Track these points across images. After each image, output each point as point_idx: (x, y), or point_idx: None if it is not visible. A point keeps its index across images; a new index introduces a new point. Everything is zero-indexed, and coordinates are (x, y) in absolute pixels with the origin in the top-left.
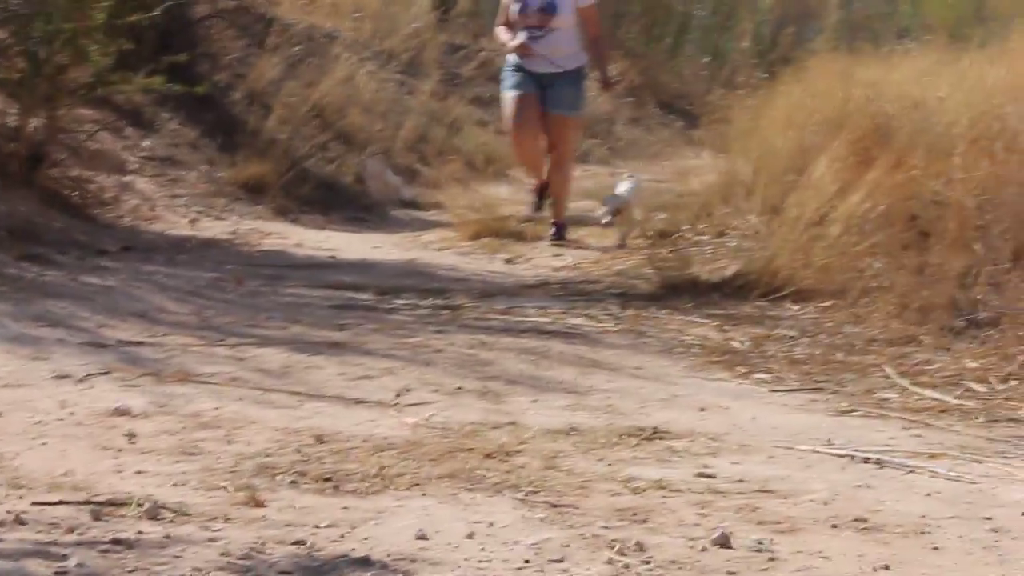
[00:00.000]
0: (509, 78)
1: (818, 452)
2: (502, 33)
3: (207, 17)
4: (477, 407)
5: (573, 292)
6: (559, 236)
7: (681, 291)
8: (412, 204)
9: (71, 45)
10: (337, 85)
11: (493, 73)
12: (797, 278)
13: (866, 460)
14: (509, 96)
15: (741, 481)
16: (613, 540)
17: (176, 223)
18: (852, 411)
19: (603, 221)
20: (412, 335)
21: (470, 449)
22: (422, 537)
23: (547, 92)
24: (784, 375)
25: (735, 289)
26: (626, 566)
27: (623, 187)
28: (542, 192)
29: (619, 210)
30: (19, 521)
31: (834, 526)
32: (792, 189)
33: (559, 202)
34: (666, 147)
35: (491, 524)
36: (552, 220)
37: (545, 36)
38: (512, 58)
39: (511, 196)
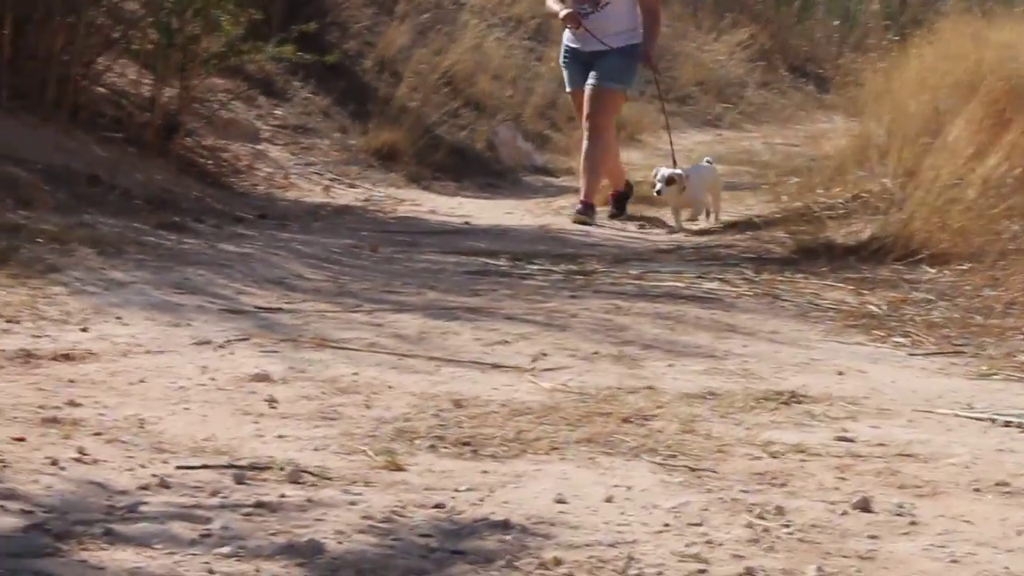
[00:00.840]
0: (564, 67)
1: (958, 416)
2: (552, 2)
3: None
4: (613, 371)
5: (707, 257)
6: (585, 213)
7: (816, 255)
8: (543, 170)
9: (202, 15)
10: (466, 52)
11: None
12: (934, 241)
13: (1007, 424)
14: (568, 91)
15: (881, 445)
16: (752, 504)
17: (310, 190)
18: (992, 374)
19: (655, 191)
20: (547, 300)
21: (607, 413)
22: (561, 501)
23: (592, 67)
24: (922, 339)
25: (871, 253)
26: (766, 530)
27: (686, 169)
28: (618, 200)
29: (672, 181)
30: (163, 485)
31: (976, 490)
32: (927, 152)
33: (591, 179)
34: (798, 111)
35: (629, 488)
36: (580, 198)
37: (596, 13)
38: (567, 36)
39: (643, 161)
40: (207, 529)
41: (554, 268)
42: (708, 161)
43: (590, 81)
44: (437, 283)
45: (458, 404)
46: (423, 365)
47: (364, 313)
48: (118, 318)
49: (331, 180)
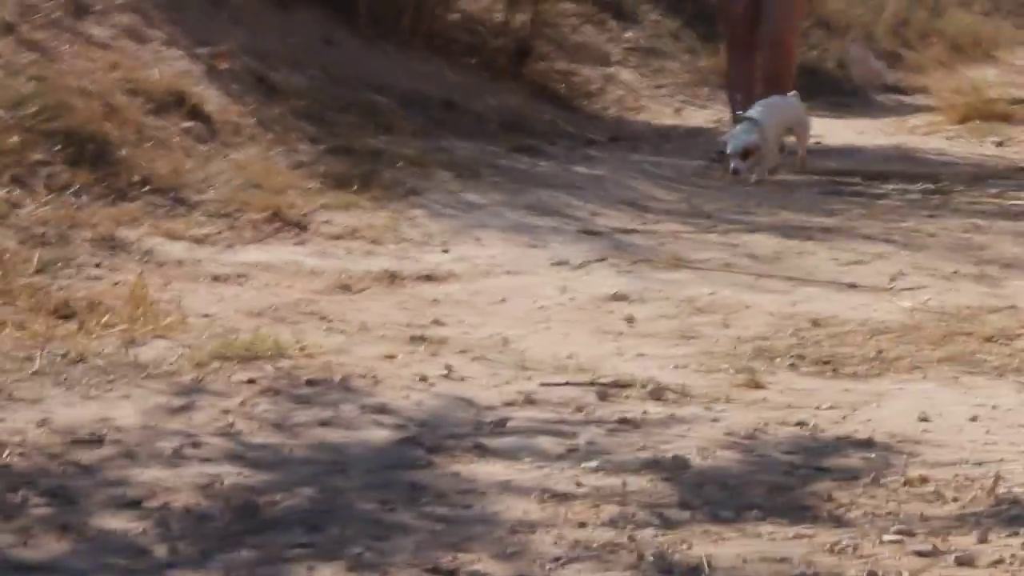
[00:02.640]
0: None
1: None
2: None
3: None
4: (973, 291)
5: None
6: None
7: None
8: (895, 89)
9: None
10: None
11: None
12: None
13: None
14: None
15: None
16: None
17: (660, 113)
18: None
19: (731, 168)
20: (902, 220)
21: (968, 333)
22: (924, 419)
23: None
24: None
25: None
26: None
27: (750, 126)
28: None
29: (748, 152)
30: (529, 401)
31: None
32: None
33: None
34: None
35: (994, 407)
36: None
37: None
38: None
39: (999, 79)
40: (573, 444)
41: (909, 187)
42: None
43: None
44: (790, 203)
45: (816, 323)
46: (779, 285)
47: (718, 233)
48: (477, 239)
49: (681, 102)
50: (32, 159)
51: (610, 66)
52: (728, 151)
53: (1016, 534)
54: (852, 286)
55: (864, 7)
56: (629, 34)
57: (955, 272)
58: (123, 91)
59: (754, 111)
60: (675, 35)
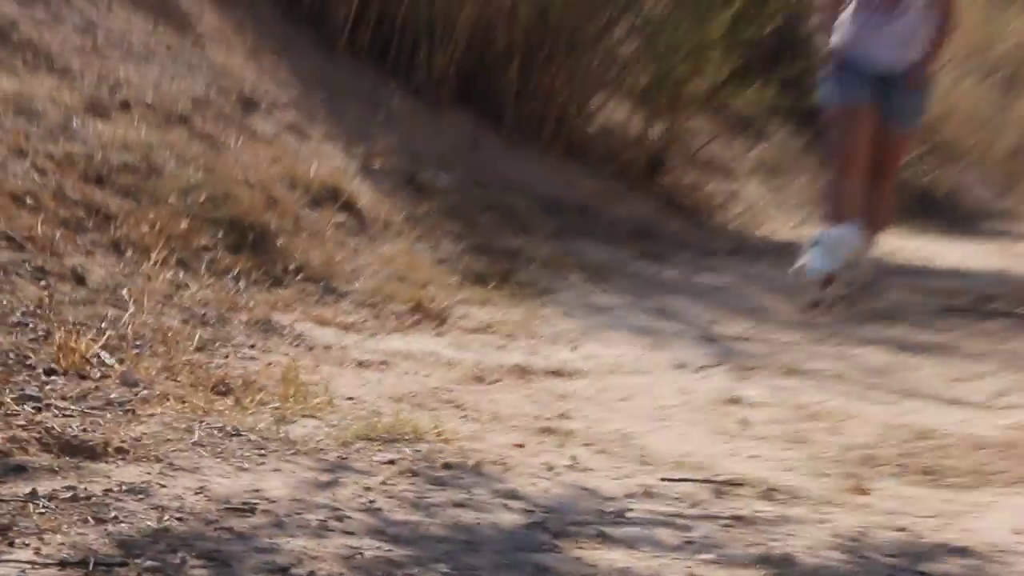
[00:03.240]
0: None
1: None
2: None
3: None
4: None
5: None
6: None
7: None
8: (1006, 215)
9: (693, 58)
10: (938, 98)
11: None
12: None
13: None
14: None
15: None
16: None
17: (781, 228)
18: None
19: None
20: (1007, 340)
21: None
22: (1019, 532)
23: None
24: None
25: None
26: None
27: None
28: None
29: (831, 279)
30: (648, 494)
31: None
32: None
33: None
34: None
35: None
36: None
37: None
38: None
39: None
40: (688, 536)
41: (1015, 310)
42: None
43: (891, 115)
44: (900, 319)
45: (920, 435)
46: (886, 396)
47: (830, 345)
48: (604, 339)
49: (802, 218)
50: (197, 244)
51: (735, 181)
52: (807, 279)
53: None
54: (955, 402)
55: (978, 135)
56: (755, 151)
57: None
58: (283, 184)
59: (829, 235)
60: (800, 153)
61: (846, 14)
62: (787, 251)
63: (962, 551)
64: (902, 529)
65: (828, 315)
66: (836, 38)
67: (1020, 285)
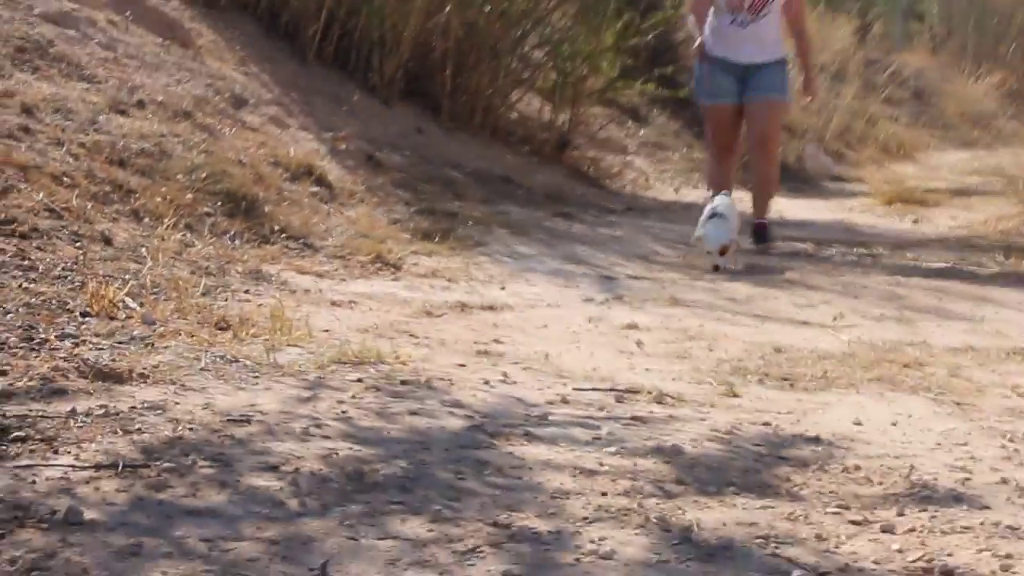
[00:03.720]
0: (706, 77)
1: None
2: (694, 24)
3: (687, 40)
4: (895, 329)
5: (966, 245)
6: (763, 240)
7: None
8: (839, 178)
9: (589, 61)
10: None
11: (902, 79)
12: None
13: None
14: (709, 105)
15: None
16: (1004, 431)
17: (664, 191)
18: None
19: (713, 264)
20: (843, 275)
21: (891, 360)
22: (857, 423)
23: (749, 80)
24: None
25: None
26: (1016, 450)
27: (722, 222)
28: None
29: (725, 249)
30: (564, 401)
31: None
32: None
33: (762, 196)
34: None
35: (910, 416)
36: (754, 220)
37: (757, 21)
38: (710, 45)
39: (916, 173)
40: (597, 434)
41: (848, 251)
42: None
43: (756, 94)
44: (759, 260)
45: (778, 350)
46: (750, 320)
47: (705, 281)
48: (526, 280)
49: (680, 184)
50: (200, 211)
51: (627, 155)
52: (708, 250)
53: (925, 510)
54: (804, 323)
55: (817, 117)
56: (642, 132)
57: (882, 315)
58: (268, 163)
59: (722, 207)
60: (676, 133)
61: (712, 18)
62: (669, 208)
63: (814, 439)
64: (766, 424)
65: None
66: (706, 38)
67: (850, 232)
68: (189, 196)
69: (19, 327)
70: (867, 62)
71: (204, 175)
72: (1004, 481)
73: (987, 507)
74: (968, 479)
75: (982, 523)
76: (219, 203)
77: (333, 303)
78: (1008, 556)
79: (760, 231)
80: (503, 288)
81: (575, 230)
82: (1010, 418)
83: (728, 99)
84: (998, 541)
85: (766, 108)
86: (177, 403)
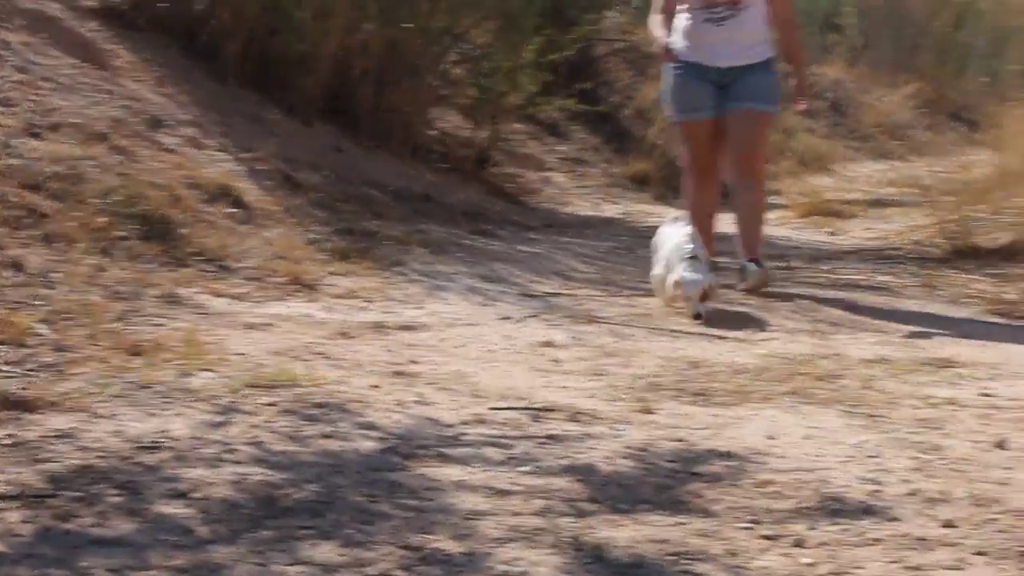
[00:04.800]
0: (679, 88)
1: None
2: (656, 27)
3: (606, 55)
4: (809, 342)
5: (880, 257)
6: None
7: (965, 256)
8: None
9: (509, 77)
10: None
11: (818, 90)
12: None
13: None
14: (681, 120)
15: (1015, 399)
16: (916, 442)
17: (583, 206)
18: None
19: (695, 312)
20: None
21: (805, 373)
22: (771, 437)
23: (731, 88)
24: None
25: (1009, 254)
26: (927, 461)
27: (696, 264)
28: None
29: (706, 293)
30: (479, 421)
31: None
32: None
33: (752, 228)
34: (953, 147)
35: (822, 428)
36: (744, 258)
37: (734, 17)
38: (681, 47)
39: (832, 185)
40: (511, 453)
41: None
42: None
43: (737, 104)
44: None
45: (693, 364)
46: (665, 336)
47: (623, 297)
48: (444, 299)
49: (599, 199)
50: (115, 235)
51: (546, 171)
52: (688, 296)
53: (836, 523)
54: (720, 337)
55: None
56: (562, 147)
57: (796, 328)
58: (184, 185)
59: (694, 246)
60: (596, 149)
61: (682, 15)
62: (587, 224)
63: (727, 455)
64: (680, 440)
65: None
66: (676, 40)
67: (766, 245)
68: (103, 220)
69: None
70: (784, 74)
71: (119, 198)
72: (914, 493)
73: (897, 519)
74: (879, 491)
75: (892, 535)
76: (134, 226)
77: (248, 326)
78: (918, 568)
79: (756, 264)
80: (420, 307)
81: (494, 247)
82: (921, 429)
83: (705, 113)
84: (907, 553)
85: (751, 121)
86: (87, 431)
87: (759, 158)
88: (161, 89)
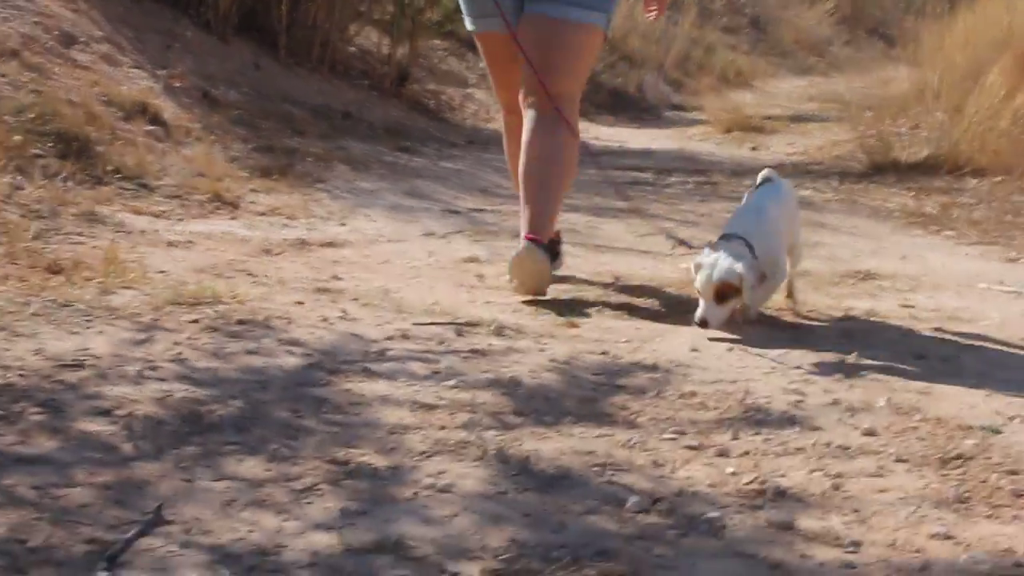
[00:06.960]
0: None
1: (992, 290)
2: None
3: None
4: None
5: (802, 171)
6: (549, 257)
7: (885, 170)
8: (679, 107)
9: None
10: (622, 19)
11: (739, 6)
12: (975, 160)
13: None
14: (480, 32)
15: (934, 311)
16: (839, 352)
17: None
18: (1019, 259)
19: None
20: (682, 203)
21: None
22: (695, 350)
23: None
24: (966, 232)
25: (927, 168)
26: (851, 364)
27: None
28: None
29: (726, 293)
30: (404, 336)
31: (1006, 343)
32: (969, 93)
33: (543, 197)
34: (872, 63)
35: (745, 340)
36: (530, 233)
37: None
38: None
39: (754, 101)
40: (436, 368)
41: (688, 179)
42: (768, 179)
43: (544, 11)
44: (600, 190)
45: (617, 279)
46: (590, 251)
47: None
48: (367, 216)
49: None
50: (30, 153)
51: (468, 88)
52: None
53: (759, 433)
54: (644, 252)
55: (657, 46)
56: (483, 63)
57: None
58: (101, 102)
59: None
60: None
61: None
62: None
63: (651, 367)
64: (604, 353)
65: None
66: None
67: (690, 160)
68: (18, 138)
69: None
70: None
71: (34, 116)
72: (836, 402)
73: (819, 428)
74: (801, 401)
75: (814, 444)
76: (50, 144)
77: (170, 244)
78: (839, 475)
79: (536, 247)
80: (343, 224)
81: (416, 164)
82: (843, 339)
83: (498, 21)
84: (829, 461)
85: (549, 31)
86: (7, 349)
87: (564, 82)
88: (73, 5)
